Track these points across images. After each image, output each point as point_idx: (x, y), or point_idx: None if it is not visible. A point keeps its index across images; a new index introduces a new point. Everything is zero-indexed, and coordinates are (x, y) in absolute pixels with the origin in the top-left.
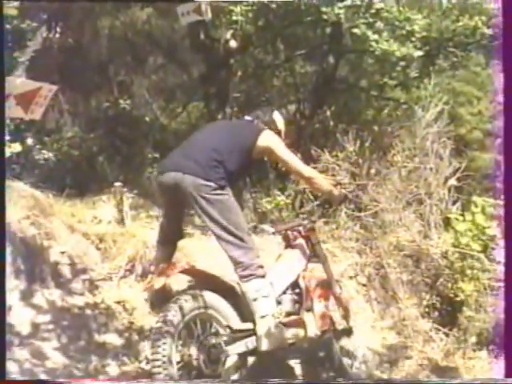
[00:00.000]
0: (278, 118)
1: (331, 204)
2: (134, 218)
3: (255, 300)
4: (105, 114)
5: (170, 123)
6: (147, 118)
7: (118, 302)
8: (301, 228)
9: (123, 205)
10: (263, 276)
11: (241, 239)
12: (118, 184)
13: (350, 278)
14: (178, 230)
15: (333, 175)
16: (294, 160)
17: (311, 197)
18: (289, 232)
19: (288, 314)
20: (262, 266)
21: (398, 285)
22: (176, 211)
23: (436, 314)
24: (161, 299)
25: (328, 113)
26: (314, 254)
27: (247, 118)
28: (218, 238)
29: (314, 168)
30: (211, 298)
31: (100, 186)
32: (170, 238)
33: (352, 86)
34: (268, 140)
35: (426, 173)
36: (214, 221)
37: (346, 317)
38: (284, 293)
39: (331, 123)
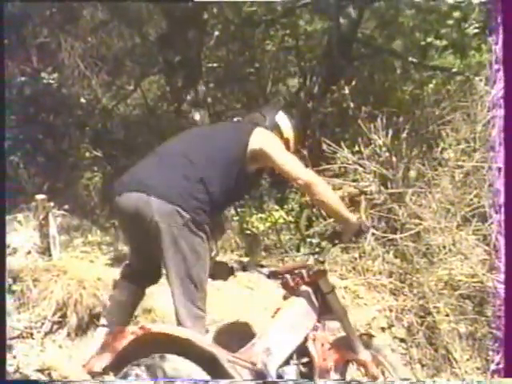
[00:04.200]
0: (284, 122)
1: (341, 237)
2: (64, 245)
3: None
4: (19, 93)
5: (116, 106)
6: (83, 100)
7: (41, 371)
8: (304, 271)
9: (49, 227)
10: None
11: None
12: (40, 197)
13: (382, 329)
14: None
15: (354, 181)
16: (295, 167)
17: (323, 212)
18: (288, 276)
19: None
20: None
21: (452, 340)
22: (145, 247)
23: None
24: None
25: (346, 90)
26: (326, 308)
27: (235, 119)
28: (173, 285)
29: (327, 171)
30: (178, 365)
31: (14, 200)
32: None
33: (381, 50)
34: (262, 139)
35: (491, 175)
36: (174, 266)
37: None
38: (287, 363)
39: (351, 105)
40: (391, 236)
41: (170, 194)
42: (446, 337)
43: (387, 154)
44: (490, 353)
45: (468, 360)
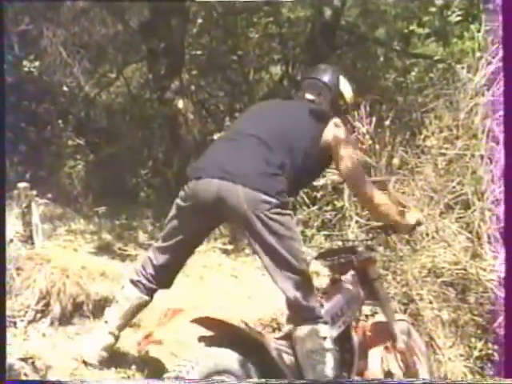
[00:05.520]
0: (347, 89)
1: (398, 231)
2: (48, 234)
3: (316, 353)
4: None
5: (98, 94)
6: (65, 88)
7: (25, 359)
8: (353, 257)
9: (31, 215)
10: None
11: (301, 275)
12: (22, 185)
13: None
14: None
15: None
16: (356, 177)
17: (307, 200)
18: (335, 260)
19: None
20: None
21: (435, 327)
22: (204, 231)
23: (493, 369)
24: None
25: None
26: (370, 295)
27: (308, 96)
28: (272, 271)
29: None
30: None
31: None
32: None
33: (364, 38)
34: (334, 135)
35: (474, 163)
36: (268, 249)
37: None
38: None
39: None
40: (374, 223)
41: (254, 182)
42: (429, 324)
43: (370, 141)
44: (473, 339)
45: (451, 347)
